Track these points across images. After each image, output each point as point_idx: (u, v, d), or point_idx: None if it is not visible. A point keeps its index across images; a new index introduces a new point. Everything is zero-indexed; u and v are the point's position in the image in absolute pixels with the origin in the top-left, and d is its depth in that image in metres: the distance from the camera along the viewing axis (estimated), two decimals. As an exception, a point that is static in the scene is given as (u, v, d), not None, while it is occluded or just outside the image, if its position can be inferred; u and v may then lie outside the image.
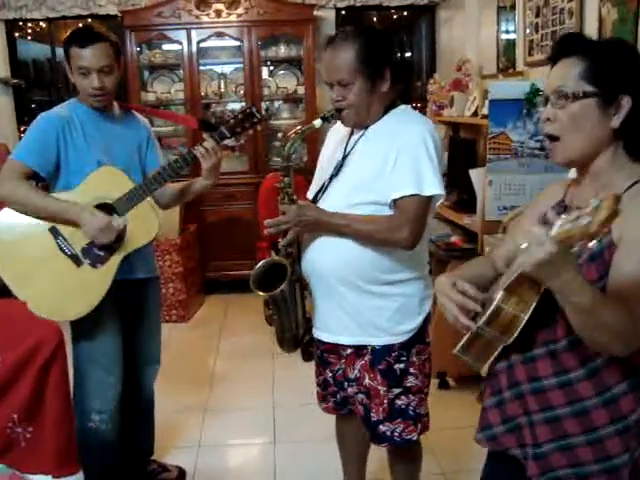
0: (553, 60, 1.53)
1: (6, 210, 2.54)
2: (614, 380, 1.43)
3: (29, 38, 6.53)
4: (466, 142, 4.54)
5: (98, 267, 2.53)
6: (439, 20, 6.13)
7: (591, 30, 3.25)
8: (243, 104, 5.73)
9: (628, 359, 1.40)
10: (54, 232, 2.52)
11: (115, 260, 2.53)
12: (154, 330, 2.94)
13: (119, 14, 5.61)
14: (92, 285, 2.53)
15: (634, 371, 1.43)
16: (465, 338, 1.53)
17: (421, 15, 6.49)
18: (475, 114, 4.23)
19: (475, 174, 3.70)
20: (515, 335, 1.43)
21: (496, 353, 1.52)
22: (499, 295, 1.43)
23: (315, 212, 2.16)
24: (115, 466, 2.79)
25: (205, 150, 2.53)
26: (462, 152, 4.47)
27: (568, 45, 1.50)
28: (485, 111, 3.83)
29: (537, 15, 3.89)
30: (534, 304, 1.41)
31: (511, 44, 4.38)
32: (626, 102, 1.41)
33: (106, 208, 2.52)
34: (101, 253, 2.52)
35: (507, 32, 4.51)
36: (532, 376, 1.52)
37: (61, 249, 2.52)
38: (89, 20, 5.95)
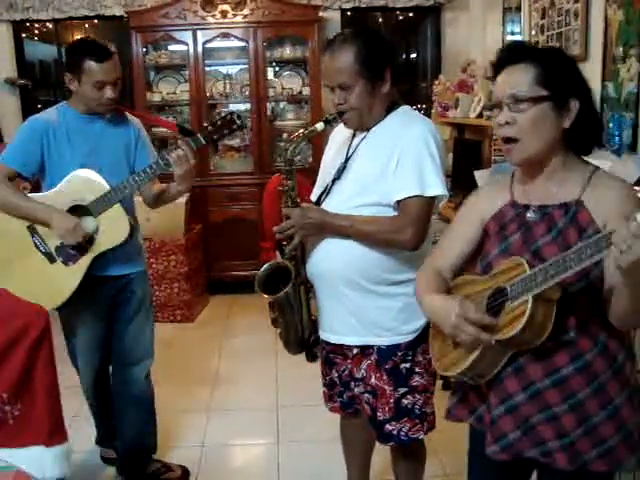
0: (500, 67, 1.62)
1: None
2: (617, 350, 1.58)
3: (35, 39, 6.55)
4: (471, 143, 4.55)
5: (70, 265, 2.68)
6: (444, 21, 6.12)
7: (597, 31, 3.25)
8: (248, 105, 5.74)
9: (609, 349, 1.57)
10: (31, 230, 2.69)
11: (86, 260, 2.67)
12: (143, 323, 2.99)
13: (125, 15, 5.63)
14: (63, 281, 2.69)
15: (625, 336, 1.62)
16: (470, 360, 1.59)
17: (426, 16, 6.49)
18: (480, 115, 4.23)
19: (480, 175, 3.70)
20: (546, 335, 1.50)
21: (502, 363, 1.60)
22: (530, 302, 1.46)
23: (319, 214, 2.16)
24: (110, 427, 3.15)
25: (177, 157, 2.58)
26: (467, 153, 4.47)
27: (515, 53, 1.62)
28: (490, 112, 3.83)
29: (543, 16, 3.88)
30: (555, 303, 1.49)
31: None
32: (574, 105, 1.56)
33: (81, 210, 2.65)
34: (73, 252, 2.67)
35: (512, 33, 4.50)
36: (551, 370, 1.58)
37: (36, 246, 2.70)
38: (95, 21, 5.98)
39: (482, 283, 1.65)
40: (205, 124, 2.62)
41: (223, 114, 2.67)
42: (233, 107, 6.00)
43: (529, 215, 1.64)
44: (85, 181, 2.65)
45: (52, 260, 2.68)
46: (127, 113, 2.89)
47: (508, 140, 1.60)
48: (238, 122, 2.63)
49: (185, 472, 3.16)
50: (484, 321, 1.54)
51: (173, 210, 4.97)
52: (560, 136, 1.58)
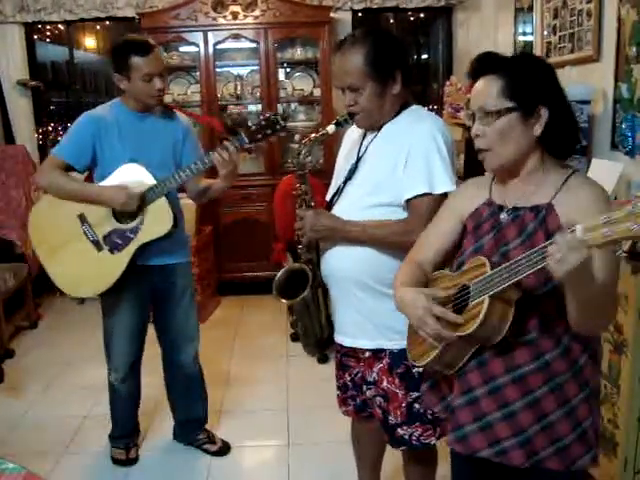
0: (473, 78, 1.66)
1: (46, 197, 2.94)
2: (579, 353, 1.60)
3: (47, 40, 6.58)
4: (483, 144, 4.52)
5: (115, 253, 2.85)
6: (456, 22, 6.10)
7: (610, 31, 3.22)
8: (259, 106, 5.74)
9: (570, 350, 1.59)
10: (81, 218, 2.87)
11: (131, 249, 2.83)
12: (186, 311, 3.17)
13: (136, 16, 5.64)
14: (108, 268, 2.86)
15: (590, 340, 1.62)
16: (437, 351, 1.65)
17: (438, 17, 6.47)
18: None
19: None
20: (504, 333, 1.53)
21: (471, 352, 1.63)
22: (486, 302, 1.51)
23: (330, 220, 2.15)
24: (130, 419, 3.30)
25: (222, 158, 2.69)
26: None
27: (484, 64, 1.64)
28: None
29: (555, 17, 3.86)
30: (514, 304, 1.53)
31: (528, 46, 4.36)
32: (544, 112, 1.58)
33: None
34: (119, 241, 2.84)
35: (524, 34, 4.48)
36: (510, 366, 1.61)
37: (85, 234, 2.87)
38: (107, 22, 6.00)
39: (453, 279, 1.70)
40: (249, 124, 2.68)
41: (267, 114, 2.72)
42: (244, 109, 6.00)
43: (502, 216, 1.66)
44: (133, 174, 2.80)
45: (99, 248, 2.85)
46: (177, 112, 3.04)
47: (480, 150, 1.65)
48: (282, 123, 2.68)
49: (223, 447, 3.36)
50: (447, 316, 1.59)
51: (184, 211, 4.97)
52: (533, 142, 1.61)
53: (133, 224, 2.83)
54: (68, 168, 2.85)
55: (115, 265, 2.83)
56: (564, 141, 1.65)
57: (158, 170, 2.81)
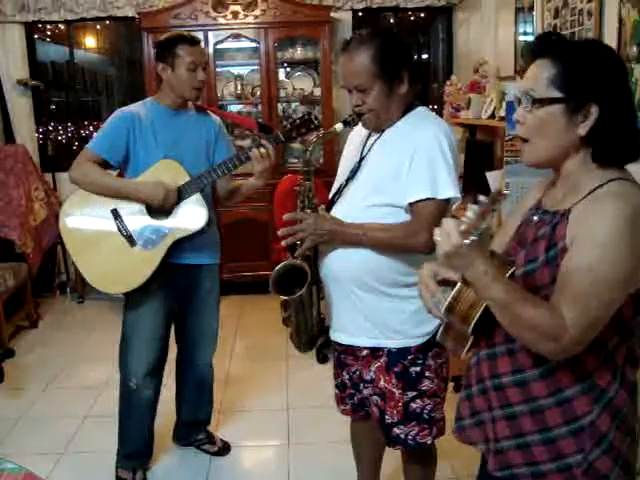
0: (529, 59, 1.51)
1: (79, 192, 2.87)
2: (567, 382, 1.45)
3: (48, 40, 6.57)
4: (483, 144, 4.53)
5: (149, 249, 2.81)
6: (456, 21, 6.10)
7: (611, 31, 3.22)
8: (259, 106, 5.74)
9: (581, 364, 1.42)
10: (115, 214, 2.83)
11: (164, 245, 2.80)
12: (210, 312, 3.18)
13: (136, 16, 5.64)
14: (141, 264, 2.81)
15: (587, 375, 1.44)
16: (442, 326, 1.62)
17: (438, 16, 6.46)
18: (492, 116, 4.21)
19: (492, 177, 3.68)
20: (472, 325, 1.47)
21: (469, 344, 1.57)
22: (458, 285, 1.48)
23: (331, 223, 2.14)
24: (145, 434, 3.13)
25: (261, 154, 2.71)
26: (479, 154, 4.45)
27: (544, 45, 1.49)
28: (502, 113, 3.81)
29: (555, 16, 3.85)
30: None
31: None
32: (594, 111, 1.40)
33: None
34: (153, 237, 2.81)
35: (525, 34, 4.47)
36: (494, 372, 1.55)
37: (119, 229, 2.82)
38: (107, 22, 5.99)
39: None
40: (284, 122, 2.71)
41: (301, 114, 2.79)
42: (244, 108, 6.00)
43: (533, 218, 1.57)
44: (169, 169, 2.81)
45: (132, 243, 2.80)
46: (209, 111, 3.07)
47: (520, 139, 1.52)
48: (315, 122, 2.72)
49: (224, 447, 3.36)
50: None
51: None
52: (577, 141, 1.44)
53: (167, 219, 2.81)
54: (101, 164, 2.84)
55: (148, 261, 2.80)
56: (614, 147, 1.43)
57: (191, 168, 2.83)
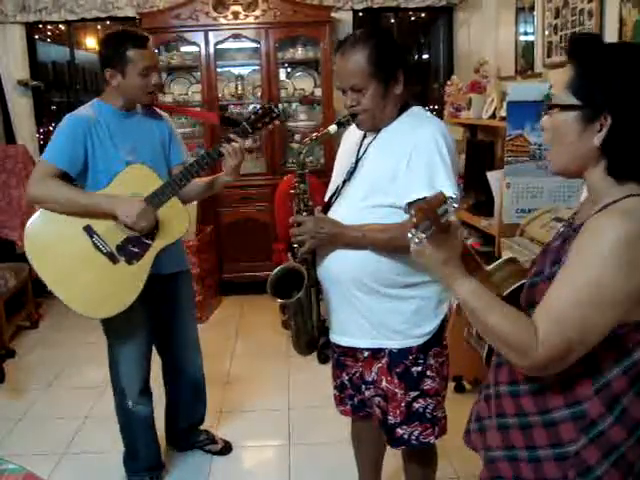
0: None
1: (41, 212, 2.63)
2: (555, 404, 1.37)
3: (48, 40, 6.58)
4: (484, 144, 4.52)
5: (134, 263, 2.64)
6: (457, 21, 6.09)
7: (611, 31, 3.21)
8: (258, 106, 5.73)
9: (571, 389, 1.35)
10: (89, 231, 2.62)
11: (150, 256, 2.65)
12: (190, 319, 3.11)
13: (137, 16, 5.64)
14: (128, 281, 2.64)
15: (577, 401, 1.34)
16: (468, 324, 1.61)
17: (439, 16, 6.47)
18: (493, 116, 4.21)
19: (493, 177, 3.68)
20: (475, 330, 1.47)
21: (486, 346, 1.58)
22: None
23: (331, 226, 2.13)
24: (153, 446, 3.07)
25: (232, 148, 2.61)
26: (480, 154, 4.44)
27: (574, 47, 1.39)
28: (503, 113, 3.81)
29: (556, 16, 3.85)
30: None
31: (529, 45, 4.35)
32: (606, 121, 1.29)
33: None
34: (136, 250, 2.64)
35: (525, 34, 4.47)
36: (496, 380, 1.52)
37: (97, 247, 2.62)
38: (108, 22, 5.99)
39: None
40: (246, 114, 2.64)
41: (263, 104, 2.71)
42: (246, 108, 6.00)
43: (560, 229, 1.49)
44: (139, 176, 2.65)
45: (115, 260, 2.61)
46: (156, 108, 2.91)
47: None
48: (276, 111, 2.65)
49: (226, 446, 3.34)
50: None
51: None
52: (593, 152, 1.33)
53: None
54: (60, 177, 2.60)
55: (136, 276, 2.62)
56: (631, 161, 1.32)
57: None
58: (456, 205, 1.27)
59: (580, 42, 1.39)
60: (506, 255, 2.95)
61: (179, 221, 2.69)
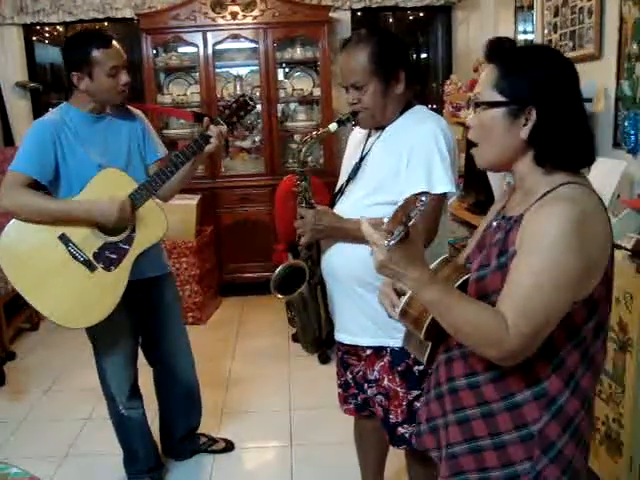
0: (485, 64, 1.53)
1: (14, 222, 2.56)
2: (517, 387, 1.42)
3: (46, 42, 6.56)
4: (483, 143, 4.51)
5: (112, 270, 2.58)
6: (455, 20, 6.09)
7: (611, 29, 3.21)
8: (259, 106, 5.73)
9: (531, 370, 1.40)
10: (64, 240, 2.55)
11: (128, 261, 2.59)
12: (176, 324, 3.02)
13: (135, 17, 5.63)
14: (107, 289, 2.59)
15: (537, 381, 1.41)
16: (404, 332, 1.65)
17: (437, 16, 6.45)
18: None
19: (492, 176, 3.67)
20: (424, 330, 1.48)
21: (428, 349, 1.58)
22: (410, 291, 1.46)
23: (330, 218, 2.15)
24: (151, 446, 3.08)
25: (219, 130, 2.58)
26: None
27: (493, 50, 1.49)
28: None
29: (556, 14, 3.85)
30: None
31: (529, 44, 4.35)
32: (532, 114, 1.39)
33: None
34: (113, 256, 2.58)
35: (525, 32, 4.47)
36: (449, 376, 1.55)
37: (73, 256, 2.56)
38: (106, 24, 5.98)
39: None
40: (220, 108, 2.61)
41: (236, 97, 2.67)
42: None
43: (493, 223, 1.55)
44: (113, 180, 2.57)
45: (92, 268, 2.56)
46: (128, 106, 2.82)
47: (472, 144, 1.52)
48: (251, 103, 2.63)
49: (229, 444, 3.35)
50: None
51: (184, 212, 4.97)
52: (521, 145, 1.42)
53: (125, 234, 2.59)
54: (31, 186, 2.53)
55: (115, 283, 2.57)
56: (557, 151, 1.41)
57: (128, 174, 2.62)
58: (424, 203, 1.26)
59: (498, 45, 1.50)
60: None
61: (157, 224, 2.63)
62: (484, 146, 1.47)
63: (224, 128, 2.61)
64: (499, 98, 1.42)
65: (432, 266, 1.55)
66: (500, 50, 1.48)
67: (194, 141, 2.61)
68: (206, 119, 2.62)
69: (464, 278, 1.49)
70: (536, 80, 1.40)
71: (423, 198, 1.26)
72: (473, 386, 1.49)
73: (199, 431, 3.32)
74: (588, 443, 1.51)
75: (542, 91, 1.39)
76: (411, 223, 1.25)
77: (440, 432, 1.60)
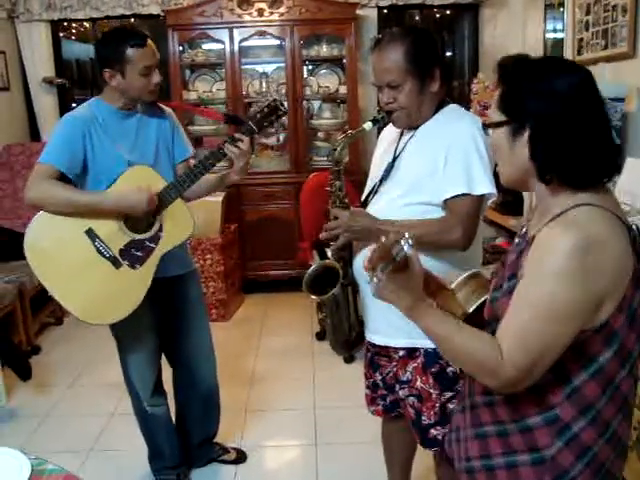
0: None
1: (41, 214, 2.54)
2: (529, 411, 1.39)
3: (73, 38, 6.60)
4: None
5: (137, 268, 2.57)
6: (482, 18, 6.03)
7: (647, 27, 3.17)
8: (284, 103, 5.72)
9: (543, 395, 1.36)
10: (91, 235, 2.54)
11: (154, 259, 2.58)
12: (199, 324, 2.98)
13: (162, 14, 5.63)
14: (132, 286, 2.58)
15: (549, 407, 1.36)
16: None
17: (464, 13, 6.39)
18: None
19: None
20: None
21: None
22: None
23: (366, 219, 2.11)
24: (176, 443, 3.05)
25: (239, 150, 2.54)
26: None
27: (499, 70, 1.44)
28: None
29: (587, 12, 3.79)
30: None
31: (558, 43, 4.29)
32: (526, 133, 1.35)
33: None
34: (139, 254, 2.57)
35: (554, 31, 4.42)
36: (471, 391, 1.55)
37: (99, 252, 2.55)
38: (132, 20, 6.00)
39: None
40: (251, 112, 2.57)
41: (268, 102, 2.63)
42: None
43: (515, 240, 1.52)
44: (142, 178, 2.56)
45: (118, 265, 2.55)
46: (159, 104, 2.80)
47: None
48: (282, 108, 2.61)
49: (240, 454, 3.26)
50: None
51: (209, 209, 4.97)
52: (529, 165, 1.36)
53: (151, 232, 2.57)
54: (58, 179, 2.51)
55: (139, 281, 2.56)
56: (561, 167, 1.33)
57: (156, 169, 2.62)
58: (411, 242, 1.27)
59: (506, 64, 1.43)
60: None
61: (184, 224, 2.62)
62: (500, 165, 1.46)
63: (244, 145, 2.54)
64: (501, 118, 1.40)
65: (457, 281, 1.58)
66: (506, 69, 1.43)
67: (212, 153, 2.58)
68: (237, 135, 2.56)
69: (482, 299, 1.50)
70: (531, 96, 1.34)
71: (407, 235, 1.29)
72: (490, 404, 1.48)
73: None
74: (614, 473, 1.43)
75: (537, 107, 1.33)
76: (399, 258, 1.28)
77: (461, 444, 1.59)
